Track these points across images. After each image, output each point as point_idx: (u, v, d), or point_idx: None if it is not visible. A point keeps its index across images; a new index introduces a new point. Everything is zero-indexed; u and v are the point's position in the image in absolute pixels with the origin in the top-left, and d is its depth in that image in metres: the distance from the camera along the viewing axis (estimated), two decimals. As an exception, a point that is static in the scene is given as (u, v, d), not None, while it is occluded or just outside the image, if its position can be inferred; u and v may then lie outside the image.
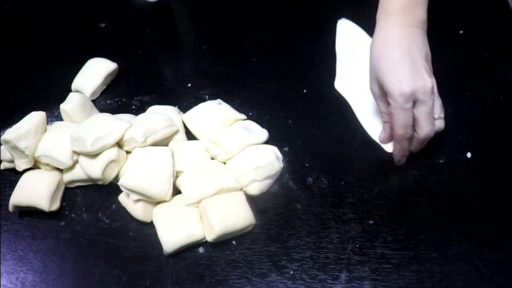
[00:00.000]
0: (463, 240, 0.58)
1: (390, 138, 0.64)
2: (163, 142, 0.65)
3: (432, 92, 0.58)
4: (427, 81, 0.58)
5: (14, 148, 0.62)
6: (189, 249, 0.59)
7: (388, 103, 0.59)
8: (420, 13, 0.61)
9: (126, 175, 0.59)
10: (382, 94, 0.61)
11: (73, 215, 0.63)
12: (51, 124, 0.68)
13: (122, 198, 0.62)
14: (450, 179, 0.63)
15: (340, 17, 0.79)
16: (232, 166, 0.62)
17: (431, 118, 0.59)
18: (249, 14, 0.83)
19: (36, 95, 0.75)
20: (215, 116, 0.67)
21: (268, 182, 0.62)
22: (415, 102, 0.58)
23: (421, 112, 0.58)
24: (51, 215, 0.62)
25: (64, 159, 0.62)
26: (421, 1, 0.62)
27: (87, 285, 0.58)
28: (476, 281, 0.56)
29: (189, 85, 0.74)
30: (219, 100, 0.69)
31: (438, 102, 0.61)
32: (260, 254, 0.59)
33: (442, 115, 0.61)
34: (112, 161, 0.61)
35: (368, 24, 0.73)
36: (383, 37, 0.61)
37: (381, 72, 0.59)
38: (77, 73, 0.74)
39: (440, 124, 0.61)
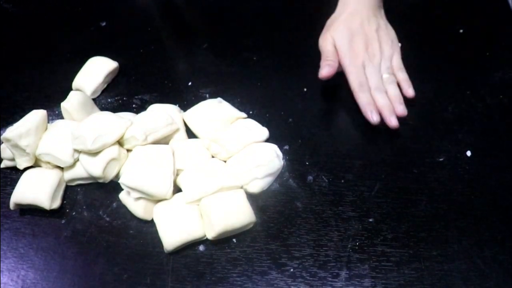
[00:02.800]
0: (463, 238, 0.58)
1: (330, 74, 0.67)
2: (164, 141, 0.65)
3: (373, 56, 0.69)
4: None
5: (15, 146, 0.62)
6: (190, 247, 0.60)
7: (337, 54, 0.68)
8: None
9: (127, 173, 0.59)
10: (334, 50, 0.69)
11: (74, 213, 0.63)
12: (52, 122, 0.68)
13: (122, 196, 0.62)
14: (450, 177, 0.63)
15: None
16: (232, 164, 0.62)
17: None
18: (249, 13, 0.83)
19: (37, 93, 0.75)
20: (215, 115, 0.67)
21: (268, 180, 0.62)
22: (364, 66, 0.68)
23: (367, 71, 0.68)
24: (52, 213, 0.63)
25: (65, 157, 0.62)
26: None
27: (88, 282, 0.58)
28: (476, 279, 0.56)
29: (190, 83, 0.75)
30: (219, 99, 0.69)
31: (386, 64, 0.69)
32: (261, 252, 0.59)
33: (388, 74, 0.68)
34: (112, 160, 0.61)
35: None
36: (339, 11, 0.72)
37: (335, 40, 0.69)
38: (78, 72, 0.74)
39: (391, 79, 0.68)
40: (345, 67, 0.67)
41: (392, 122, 0.64)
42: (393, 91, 0.67)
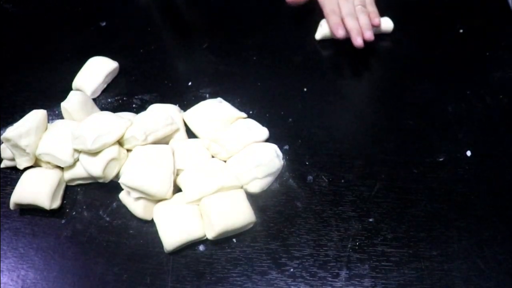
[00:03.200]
0: (462, 238, 0.58)
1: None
2: (164, 141, 0.65)
3: None
4: None
5: (15, 146, 0.62)
6: (190, 247, 0.60)
7: None
8: None
9: (127, 173, 0.59)
10: None
11: (73, 213, 0.63)
12: (52, 122, 0.68)
13: (122, 196, 0.62)
14: (450, 177, 0.63)
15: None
16: (232, 164, 0.62)
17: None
18: (249, 13, 0.83)
19: (37, 93, 0.75)
20: (215, 115, 0.67)
21: (268, 180, 0.62)
22: None
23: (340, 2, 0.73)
24: (52, 213, 0.63)
25: (65, 157, 0.62)
26: None
27: (88, 282, 0.58)
28: (476, 279, 0.56)
29: (190, 83, 0.75)
30: (219, 99, 0.69)
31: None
32: (260, 251, 0.59)
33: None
34: (112, 159, 0.61)
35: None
36: None
37: None
38: (78, 72, 0.74)
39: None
40: None
41: (358, 41, 0.69)
42: (363, 19, 0.71)
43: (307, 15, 0.81)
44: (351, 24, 0.70)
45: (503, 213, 0.60)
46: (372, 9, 0.73)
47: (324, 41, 0.77)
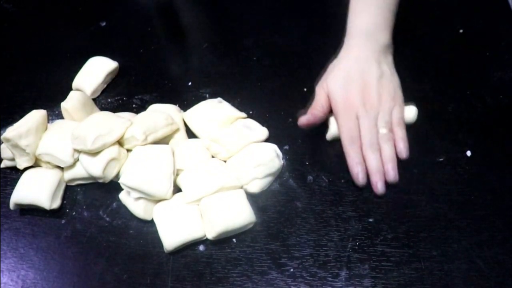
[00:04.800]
0: (462, 238, 0.58)
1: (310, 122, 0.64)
2: (164, 141, 0.65)
3: (368, 107, 0.62)
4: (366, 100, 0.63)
5: (15, 146, 0.62)
6: (190, 247, 0.60)
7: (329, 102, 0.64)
8: (382, 38, 0.66)
9: (127, 173, 0.59)
10: (326, 99, 0.65)
11: (73, 213, 0.63)
12: (52, 122, 0.68)
13: (122, 196, 0.62)
14: (450, 177, 0.63)
15: (341, 16, 0.79)
16: (232, 164, 0.62)
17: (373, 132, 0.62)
18: (249, 13, 0.83)
19: (37, 93, 0.75)
20: (215, 115, 0.67)
21: (268, 180, 0.62)
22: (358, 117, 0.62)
23: (361, 123, 0.62)
24: (52, 213, 0.63)
25: (65, 157, 0.62)
26: (383, 27, 0.66)
27: (88, 283, 0.58)
28: (476, 279, 0.56)
29: (190, 83, 0.74)
30: (219, 99, 0.69)
31: (384, 118, 0.62)
32: (260, 252, 0.59)
33: (386, 129, 0.62)
34: (112, 159, 0.61)
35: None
36: (341, 56, 0.66)
37: (329, 85, 0.64)
38: (78, 72, 0.74)
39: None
40: (337, 118, 0.63)
41: (379, 189, 0.60)
42: (388, 152, 0.61)
43: (307, 15, 0.81)
44: (372, 163, 0.60)
45: (503, 213, 0.60)
46: (400, 133, 0.62)
47: (324, 40, 0.77)
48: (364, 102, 0.62)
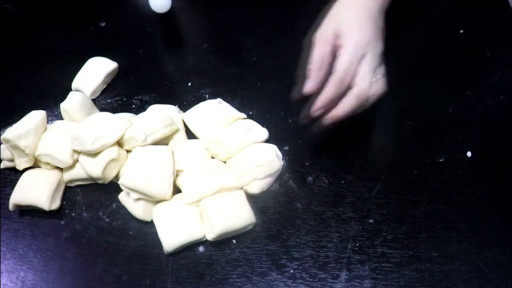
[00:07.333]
0: (463, 239, 0.58)
1: (316, 87, 0.57)
2: (163, 141, 0.65)
3: (380, 55, 0.58)
4: (379, 44, 0.58)
5: (15, 147, 0.62)
6: (189, 248, 0.59)
7: (333, 50, 0.57)
8: None
9: (126, 174, 0.59)
10: (332, 38, 0.58)
11: (73, 214, 0.63)
12: (51, 123, 0.68)
13: (122, 197, 0.62)
14: (450, 178, 0.63)
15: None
16: (232, 165, 0.62)
17: (369, 77, 0.56)
18: (249, 14, 0.83)
19: (36, 94, 0.75)
20: (215, 115, 0.67)
21: (268, 180, 0.62)
22: (363, 57, 0.56)
23: (364, 67, 0.56)
24: (51, 214, 0.63)
25: (65, 158, 0.62)
26: None
27: (87, 284, 0.58)
28: (476, 280, 0.56)
29: (189, 84, 0.74)
30: (219, 99, 0.69)
31: (381, 68, 0.58)
32: (260, 253, 0.59)
33: (380, 76, 0.57)
34: (112, 160, 0.61)
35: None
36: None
37: (342, 21, 0.58)
38: (77, 72, 0.74)
39: (378, 85, 0.57)
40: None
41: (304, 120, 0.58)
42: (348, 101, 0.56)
43: (307, 15, 0.81)
44: (326, 96, 0.56)
45: (503, 214, 0.60)
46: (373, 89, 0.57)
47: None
48: (373, 44, 0.57)
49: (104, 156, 0.61)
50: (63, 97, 0.68)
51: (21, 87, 0.77)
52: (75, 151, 0.62)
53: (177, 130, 0.66)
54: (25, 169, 0.64)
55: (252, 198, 0.62)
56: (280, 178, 0.64)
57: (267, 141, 0.66)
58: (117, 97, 0.74)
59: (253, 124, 0.67)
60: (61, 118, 0.69)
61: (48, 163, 0.64)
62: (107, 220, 0.62)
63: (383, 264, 0.57)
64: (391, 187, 0.62)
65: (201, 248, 0.60)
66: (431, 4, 0.81)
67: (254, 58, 0.77)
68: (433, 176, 0.63)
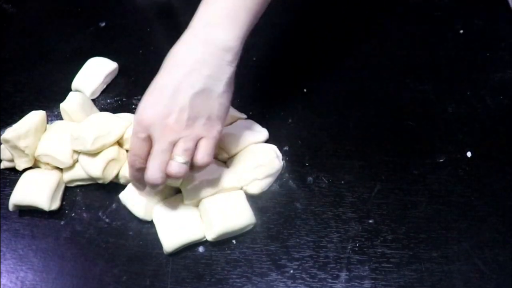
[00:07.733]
0: (463, 239, 0.58)
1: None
2: (163, 141, 0.65)
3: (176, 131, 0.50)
4: (171, 119, 0.49)
5: (14, 147, 0.62)
6: (189, 248, 0.59)
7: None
8: (221, 36, 0.51)
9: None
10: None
11: (73, 214, 0.63)
12: (51, 123, 0.68)
13: (122, 196, 0.62)
14: (450, 178, 0.63)
15: (340, 16, 0.79)
16: (232, 165, 0.62)
17: (161, 160, 0.50)
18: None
19: (36, 94, 0.75)
20: (215, 115, 0.67)
21: (268, 181, 0.62)
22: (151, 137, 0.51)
23: (153, 149, 0.51)
24: (51, 214, 0.62)
25: (64, 158, 0.62)
26: (230, 22, 0.51)
27: (87, 284, 0.58)
28: (476, 280, 0.55)
29: (189, 84, 0.74)
30: (219, 99, 0.69)
31: (187, 145, 0.51)
32: (260, 253, 0.59)
33: (183, 160, 0.51)
34: (112, 160, 0.61)
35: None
36: (171, 52, 0.53)
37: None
38: (77, 73, 0.74)
39: (176, 168, 0.51)
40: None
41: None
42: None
43: (307, 15, 0.81)
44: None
45: (503, 214, 0.60)
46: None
47: (324, 41, 0.77)
48: (165, 124, 0.50)
49: (104, 156, 0.61)
50: (63, 97, 0.68)
51: (21, 87, 0.77)
52: (75, 151, 0.62)
53: (177, 130, 0.66)
54: (25, 170, 0.64)
55: (252, 199, 0.62)
56: (280, 178, 0.64)
57: (267, 141, 0.66)
58: (117, 97, 0.74)
59: (253, 125, 0.67)
60: (61, 118, 0.69)
61: (48, 163, 0.64)
62: (107, 220, 0.62)
63: (383, 265, 0.57)
64: (391, 188, 0.62)
65: (201, 248, 0.60)
66: (431, 4, 0.81)
67: (254, 58, 0.77)
68: (433, 176, 0.63)
